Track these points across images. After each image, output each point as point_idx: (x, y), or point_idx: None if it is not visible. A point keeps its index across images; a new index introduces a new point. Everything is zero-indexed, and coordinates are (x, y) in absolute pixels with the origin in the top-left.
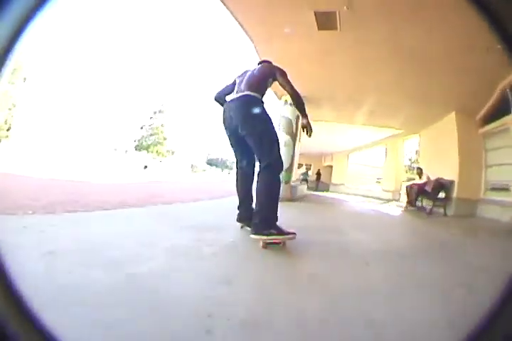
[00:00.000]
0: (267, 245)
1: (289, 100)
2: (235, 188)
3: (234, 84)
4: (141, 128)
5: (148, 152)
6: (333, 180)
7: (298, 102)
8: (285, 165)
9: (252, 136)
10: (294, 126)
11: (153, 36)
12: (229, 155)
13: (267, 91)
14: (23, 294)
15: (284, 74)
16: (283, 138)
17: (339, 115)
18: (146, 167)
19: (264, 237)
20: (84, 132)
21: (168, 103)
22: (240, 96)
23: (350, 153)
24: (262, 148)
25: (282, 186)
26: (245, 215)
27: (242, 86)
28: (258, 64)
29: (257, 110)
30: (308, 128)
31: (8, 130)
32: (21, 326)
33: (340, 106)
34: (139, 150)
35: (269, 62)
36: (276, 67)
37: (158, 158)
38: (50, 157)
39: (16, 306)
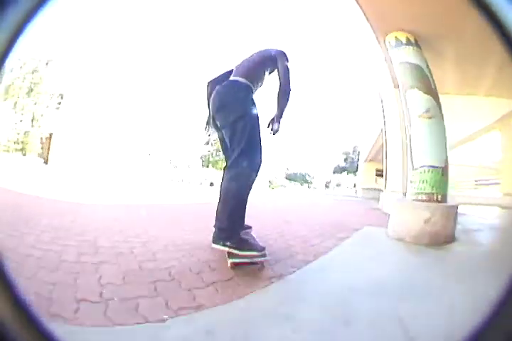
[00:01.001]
0: (234, 266)
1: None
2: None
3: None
4: (207, 143)
5: (216, 169)
6: None
7: (284, 94)
8: (435, 156)
9: (224, 128)
10: (430, 78)
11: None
12: (308, 169)
13: (263, 80)
14: (23, 294)
15: (284, 57)
16: (421, 100)
17: None
18: (212, 184)
19: (222, 248)
20: (143, 150)
21: None
22: (225, 83)
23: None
24: (233, 141)
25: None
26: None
27: (234, 72)
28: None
29: (237, 97)
30: (276, 128)
31: (22, 143)
32: (21, 326)
33: None
34: (206, 166)
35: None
36: (279, 50)
37: None
38: (101, 179)
39: (16, 306)
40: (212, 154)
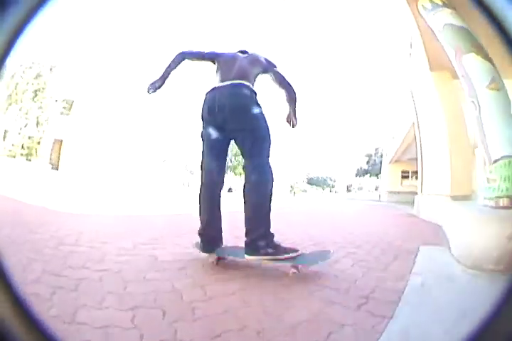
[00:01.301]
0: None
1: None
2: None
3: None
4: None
5: (236, 174)
6: None
7: (293, 97)
8: None
9: (243, 132)
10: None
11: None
12: (330, 173)
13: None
14: (23, 294)
15: (274, 65)
16: (482, 67)
17: None
18: (230, 190)
19: (262, 257)
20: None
21: None
22: (234, 85)
23: None
24: (256, 146)
25: None
26: (218, 238)
27: (233, 74)
28: (240, 52)
29: (256, 104)
30: (294, 121)
31: (28, 148)
32: (21, 326)
33: None
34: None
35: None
36: (267, 58)
37: None
38: (113, 187)
39: (16, 306)
40: (230, 159)
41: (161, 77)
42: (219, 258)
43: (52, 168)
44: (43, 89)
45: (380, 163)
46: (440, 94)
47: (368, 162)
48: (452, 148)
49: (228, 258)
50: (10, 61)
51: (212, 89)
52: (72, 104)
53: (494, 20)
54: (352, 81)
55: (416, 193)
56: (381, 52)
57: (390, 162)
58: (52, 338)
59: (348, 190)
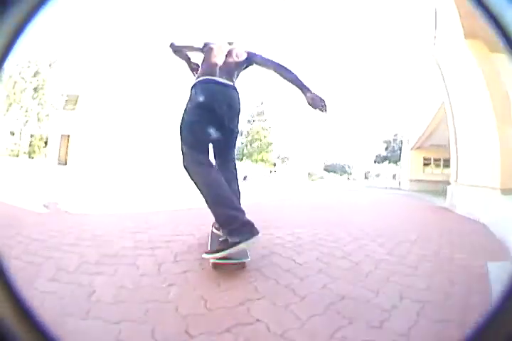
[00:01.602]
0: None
1: None
2: (216, 193)
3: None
4: (240, 134)
5: (252, 161)
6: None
7: (292, 74)
8: None
9: (233, 133)
10: None
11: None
12: (347, 160)
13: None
14: (23, 294)
15: (258, 54)
16: None
17: None
18: (245, 178)
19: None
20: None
21: (269, 102)
22: (231, 88)
23: None
24: (234, 146)
25: None
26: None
27: (225, 71)
28: (230, 44)
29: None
30: (322, 103)
31: (31, 146)
32: (21, 326)
33: None
34: (240, 159)
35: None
36: (252, 52)
37: (267, 167)
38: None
39: (16, 306)
40: (246, 145)
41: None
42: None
43: (59, 164)
44: (42, 85)
45: (400, 149)
46: (480, 65)
47: (386, 148)
48: (501, 130)
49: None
50: (10, 61)
51: (207, 81)
52: (77, 99)
53: (494, 20)
54: (369, 63)
55: (440, 182)
56: (400, 24)
57: (412, 148)
58: (53, 338)
59: (366, 177)
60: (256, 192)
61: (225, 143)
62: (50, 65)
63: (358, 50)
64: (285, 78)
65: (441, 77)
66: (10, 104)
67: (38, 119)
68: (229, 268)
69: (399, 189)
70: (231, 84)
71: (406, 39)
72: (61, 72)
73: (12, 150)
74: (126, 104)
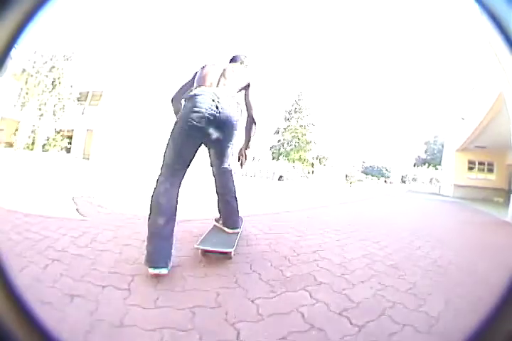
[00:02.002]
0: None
1: None
2: (160, 199)
3: (193, 82)
4: (277, 132)
5: (289, 160)
6: None
7: (254, 124)
8: None
9: (222, 144)
10: None
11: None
12: (385, 163)
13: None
14: (23, 294)
15: (255, 87)
16: None
17: None
18: (281, 178)
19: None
20: None
21: (306, 98)
22: (227, 101)
23: None
24: (225, 155)
25: None
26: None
27: (225, 82)
28: (232, 61)
29: (236, 118)
30: (244, 158)
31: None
32: (21, 326)
33: None
34: (277, 158)
35: (240, 60)
36: (253, 78)
37: (305, 167)
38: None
39: (16, 306)
40: (283, 144)
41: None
42: None
43: (84, 158)
44: (59, 79)
45: (440, 152)
46: None
47: (426, 151)
48: None
49: None
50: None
51: (196, 95)
52: (101, 95)
53: (495, 20)
54: (410, 59)
55: (486, 188)
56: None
57: (457, 150)
58: (53, 338)
59: (403, 181)
60: (291, 195)
61: (215, 153)
62: (66, 59)
63: (401, 45)
64: (250, 122)
65: (499, 66)
66: (28, 99)
67: (54, 113)
68: (216, 256)
69: (441, 195)
70: (231, 98)
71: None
72: (82, 67)
73: (43, 145)
74: (148, 99)
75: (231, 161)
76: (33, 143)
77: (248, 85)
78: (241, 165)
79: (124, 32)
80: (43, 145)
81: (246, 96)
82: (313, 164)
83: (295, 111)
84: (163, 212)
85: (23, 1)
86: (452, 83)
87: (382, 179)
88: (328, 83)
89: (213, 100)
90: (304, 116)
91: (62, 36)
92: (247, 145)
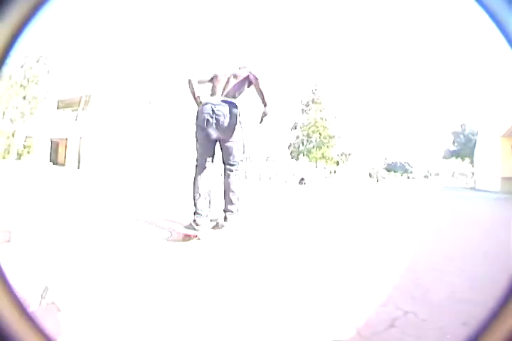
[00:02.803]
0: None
1: None
2: (196, 185)
3: (210, 81)
4: (295, 127)
5: (311, 159)
6: None
7: (261, 92)
8: None
9: (229, 143)
10: None
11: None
12: (409, 157)
13: (241, 95)
14: (23, 294)
15: (258, 78)
16: None
17: None
18: (302, 180)
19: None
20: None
21: (324, 87)
22: (228, 103)
23: None
24: (231, 154)
25: None
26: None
27: (226, 91)
28: (239, 68)
29: (238, 119)
30: (264, 115)
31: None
32: (21, 326)
33: None
34: (296, 158)
35: (243, 66)
36: (253, 73)
37: (330, 165)
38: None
39: (16, 306)
40: (302, 141)
41: (195, 100)
42: None
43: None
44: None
45: (471, 141)
46: None
47: (453, 142)
48: None
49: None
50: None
51: (210, 104)
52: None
53: (495, 20)
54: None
55: None
56: None
57: (503, 135)
58: (53, 338)
59: (425, 176)
60: (313, 203)
61: (224, 152)
62: (48, 72)
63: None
64: (258, 95)
65: None
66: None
67: (23, 116)
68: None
69: (482, 190)
70: (228, 100)
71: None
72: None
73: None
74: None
75: (236, 160)
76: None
77: (252, 78)
78: (261, 120)
79: (114, 36)
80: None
81: (255, 86)
82: (338, 162)
83: (313, 102)
84: (198, 192)
85: (23, 1)
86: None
87: (406, 175)
88: (343, 74)
89: (211, 107)
90: (324, 108)
91: (40, 37)
92: (264, 103)
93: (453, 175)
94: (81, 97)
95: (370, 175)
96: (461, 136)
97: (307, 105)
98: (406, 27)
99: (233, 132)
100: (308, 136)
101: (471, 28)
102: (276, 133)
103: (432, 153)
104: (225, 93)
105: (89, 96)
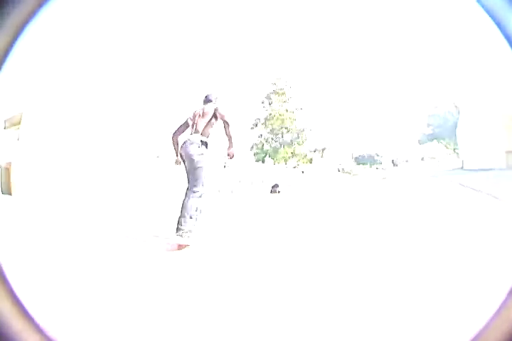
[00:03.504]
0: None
1: None
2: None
3: (187, 124)
4: (255, 125)
5: (278, 160)
6: None
7: (227, 124)
8: None
9: (191, 170)
10: None
11: None
12: (377, 150)
13: (212, 129)
14: (23, 294)
15: (229, 124)
16: None
17: None
18: (274, 188)
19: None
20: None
21: (288, 77)
22: (194, 139)
23: None
24: (192, 179)
25: None
26: None
27: (195, 129)
28: (204, 101)
29: (202, 151)
30: (230, 157)
31: None
32: (21, 326)
33: None
34: (262, 159)
35: (210, 99)
36: (216, 107)
37: (303, 164)
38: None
39: (16, 306)
40: (267, 139)
41: (176, 154)
42: None
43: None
44: None
45: (447, 121)
46: None
47: (428, 125)
48: None
49: None
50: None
51: (187, 140)
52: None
53: (495, 20)
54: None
55: None
56: None
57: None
58: (53, 338)
59: (394, 165)
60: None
61: (188, 177)
62: None
63: None
64: (226, 136)
65: None
66: None
67: None
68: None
69: (475, 170)
70: (193, 138)
71: None
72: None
73: None
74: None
75: (195, 184)
76: None
77: (220, 117)
78: (224, 166)
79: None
80: None
81: (224, 129)
82: (311, 160)
83: (275, 93)
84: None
85: (23, 1)
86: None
87: (374, 166)
88: (303, 61)
89: (184, 142)
90: (288, 99)
91: None
92: (229, 145)
93: (422, 160)
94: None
95: (339, 171)
96: (437, 118)
97: (269, 98)
98: (370, 9)
99: (195, 162)
100: (272, 132)
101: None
102: (235, 134)
103: (404, 140)
104: (193, 131)
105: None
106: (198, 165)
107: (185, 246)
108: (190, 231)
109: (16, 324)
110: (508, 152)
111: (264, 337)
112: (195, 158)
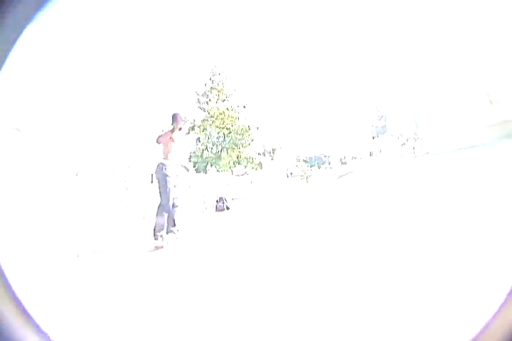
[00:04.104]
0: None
1: None
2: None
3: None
4: (192, 128)
5: (222, 168)
6: None
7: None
8: None
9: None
10: None
11: None
12: (325, 150)
13: (172, 147)
14: (23, 294)
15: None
16: None
17: None
18: (221, 202)
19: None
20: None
21: (224, 72)
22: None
23: None
24: (160, 196)
25: None
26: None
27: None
28: (172, 121)
29: (163, 173)
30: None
31: None
32: (21, 326)
33: None
34: (204, 170)
35: (177, 115)
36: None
37: (253, 168)
38: None
39: (16, 306)
40: (207, 147)
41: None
42: None
43: None
44: None
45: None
46: None
47: (380, 117)
48: None
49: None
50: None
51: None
52: None
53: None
54: None
55: None
56: None
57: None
58: (52, 338)
59: (343, 163)
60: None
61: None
62: None
63: None
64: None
65: None
66: None
67: None
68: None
69: (444, 152)
70: (160, 161)
71: None
72: None
73: None
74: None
75: (161, 200)
76: None
77: (166, 134)
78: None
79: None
80: None
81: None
82: (261, 164)
83: (212, 90)
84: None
85: (23, 1)
86: None
87: (323, 167)
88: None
89: (157, 165)
90: (229, 96)
91: None
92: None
93: (371, 155)
94: None
95: (290, 174)
96: (389, 108)
97: (206, 95)
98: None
99: (160, 182)
100: (211, 136)
101: None
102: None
103: (359, 135)
104: (164, 152)
105: None
106: (160, 182)
107: (161, 247)
108: (163, 236)
109: (16, 324)
110: (489, 126)
111: (260, 337)
112: (160, 176)
